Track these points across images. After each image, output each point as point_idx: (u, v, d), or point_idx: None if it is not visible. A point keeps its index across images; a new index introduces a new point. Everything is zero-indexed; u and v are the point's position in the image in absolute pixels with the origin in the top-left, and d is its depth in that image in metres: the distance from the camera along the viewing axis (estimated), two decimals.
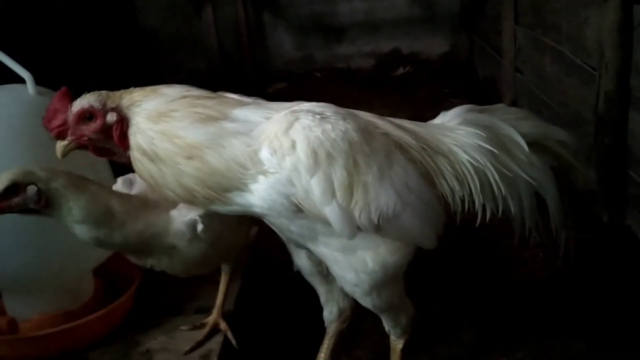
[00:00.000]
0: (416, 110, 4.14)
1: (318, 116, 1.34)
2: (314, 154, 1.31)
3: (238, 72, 5.00)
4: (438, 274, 2.40)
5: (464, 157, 1.50)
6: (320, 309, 1.73)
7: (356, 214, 1.36)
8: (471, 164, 1.50)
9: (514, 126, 1.56)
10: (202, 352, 1.69)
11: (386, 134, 1.46)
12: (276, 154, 1.30)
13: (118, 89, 1.41)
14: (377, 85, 4.90)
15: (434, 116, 1.66)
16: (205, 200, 1.35)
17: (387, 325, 1.63)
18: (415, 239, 1.48)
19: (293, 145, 1.30)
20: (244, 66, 5.13)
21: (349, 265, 1.46)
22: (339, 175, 1.33)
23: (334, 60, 5.53)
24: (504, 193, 1.52)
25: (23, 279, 1.67)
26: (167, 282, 2.02)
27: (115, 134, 1.34)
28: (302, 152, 1.30)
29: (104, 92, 1.38)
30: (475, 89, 4.61)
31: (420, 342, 2.00)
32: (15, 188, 1.40)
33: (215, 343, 1.73)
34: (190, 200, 1.36)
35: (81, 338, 1.72)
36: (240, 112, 1.37)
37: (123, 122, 1.34)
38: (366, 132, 1.40)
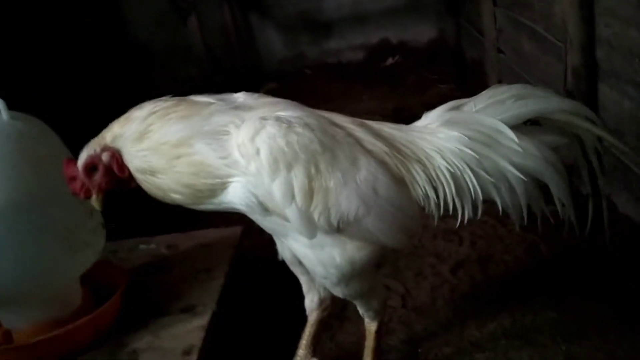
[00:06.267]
0: (404, 99, 4.12)
1: (285, 125, 1.42)
2: (275, 162, 1.40)
3: (230, 76, 5.04)
4: (413, 249, 2.45)
5: (441, 162, 1.53)
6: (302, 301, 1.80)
7: (315, 216, 1.44)
8: (448, 169, 1.52)
9: (507, 109, 1.54)
10: (185, 347, 1.75)
11: (357, 142, 1.51)
12: (243, 158, 1.41)
13: (116, 105, 1.53)
14: (367, 77, 4.91)
15: (421, 103, 1.67)
16: (209, 192, 1.45)
17: (360, 309, 1.70)
18: (379, 241, 1.52)
19: (257, 152, 1.40)
20: (236, 69, 5.17)
21: (318, 260, 1.53)
22: (299, 180, 1.42)
23: (325, 56, 5.52)
24: (482, 197, 1.54)
25: (12, 291, 1.75)
26: (152, 285, 2.12)
27: (116, 168, 1.48)
28: (264, 159, 1.40)
29: (90, 141, 1.51)
30: (464, 73, 4.61)
31: (397, 318, 2.08)
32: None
33: (197, 339, 1.79)
34: (198, 198, 1.46)
35: (71, 343, 1.80)
36: (213, 116, 1.47)
37: (116, 156, 1.48)
38: (333, 140, 1.47)
